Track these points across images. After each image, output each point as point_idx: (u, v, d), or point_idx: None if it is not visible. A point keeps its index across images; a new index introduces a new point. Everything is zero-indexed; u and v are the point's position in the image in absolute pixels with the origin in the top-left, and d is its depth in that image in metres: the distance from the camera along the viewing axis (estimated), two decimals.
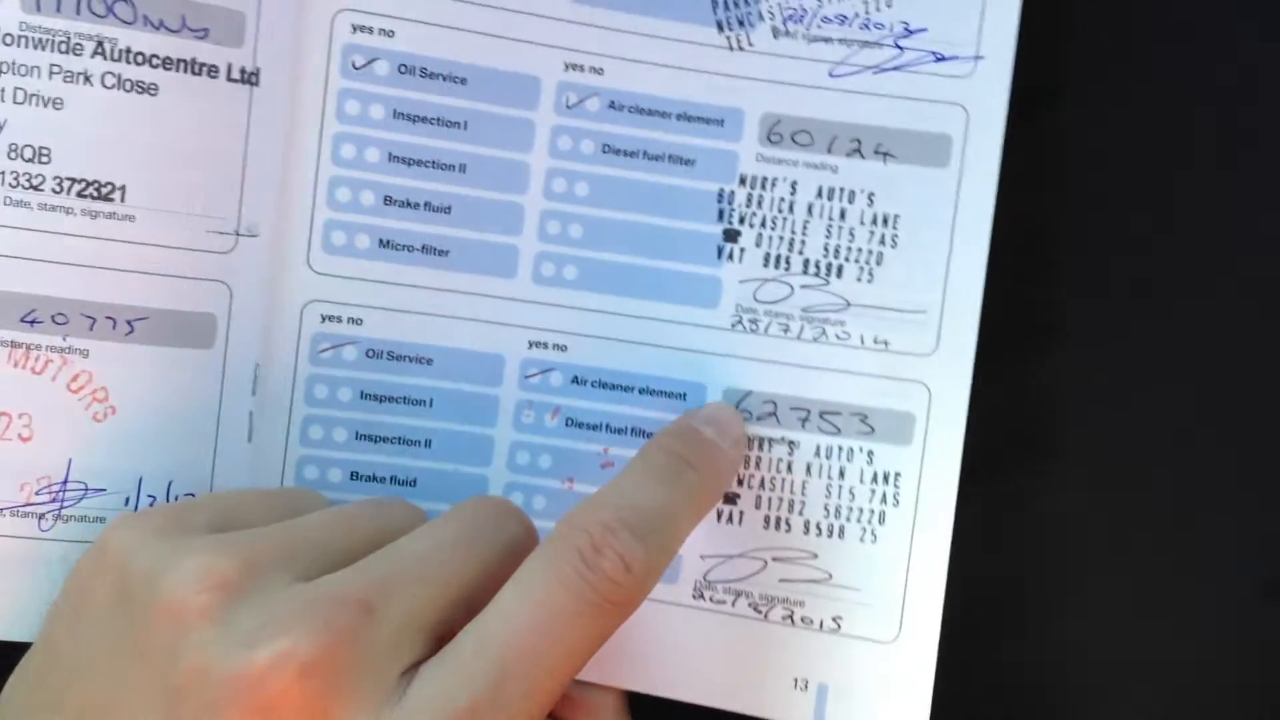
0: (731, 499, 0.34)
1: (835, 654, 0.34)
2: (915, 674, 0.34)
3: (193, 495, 0.33)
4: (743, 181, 0.34)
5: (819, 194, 0.34)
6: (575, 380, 0.35)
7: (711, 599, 0.35)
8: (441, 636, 0.27)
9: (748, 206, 0.34)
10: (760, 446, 0.34)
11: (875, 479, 0.34)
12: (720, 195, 0.34)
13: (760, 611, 0.34)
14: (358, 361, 0.34)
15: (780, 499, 0.34)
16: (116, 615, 0.27)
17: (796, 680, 0.34)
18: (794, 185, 0.34)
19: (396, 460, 0.35)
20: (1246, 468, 0.34)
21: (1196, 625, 0.33)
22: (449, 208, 0.34)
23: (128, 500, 0.33)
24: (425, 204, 0.34)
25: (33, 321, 0.31)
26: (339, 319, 0.34)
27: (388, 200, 0.34)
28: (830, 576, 0.34)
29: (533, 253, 0.35)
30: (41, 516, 0.32)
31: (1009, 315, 0.34)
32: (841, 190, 0.34)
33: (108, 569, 0.28)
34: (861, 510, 0.34)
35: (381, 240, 0.34)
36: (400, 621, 0.26)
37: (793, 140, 0.34)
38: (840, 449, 0.34)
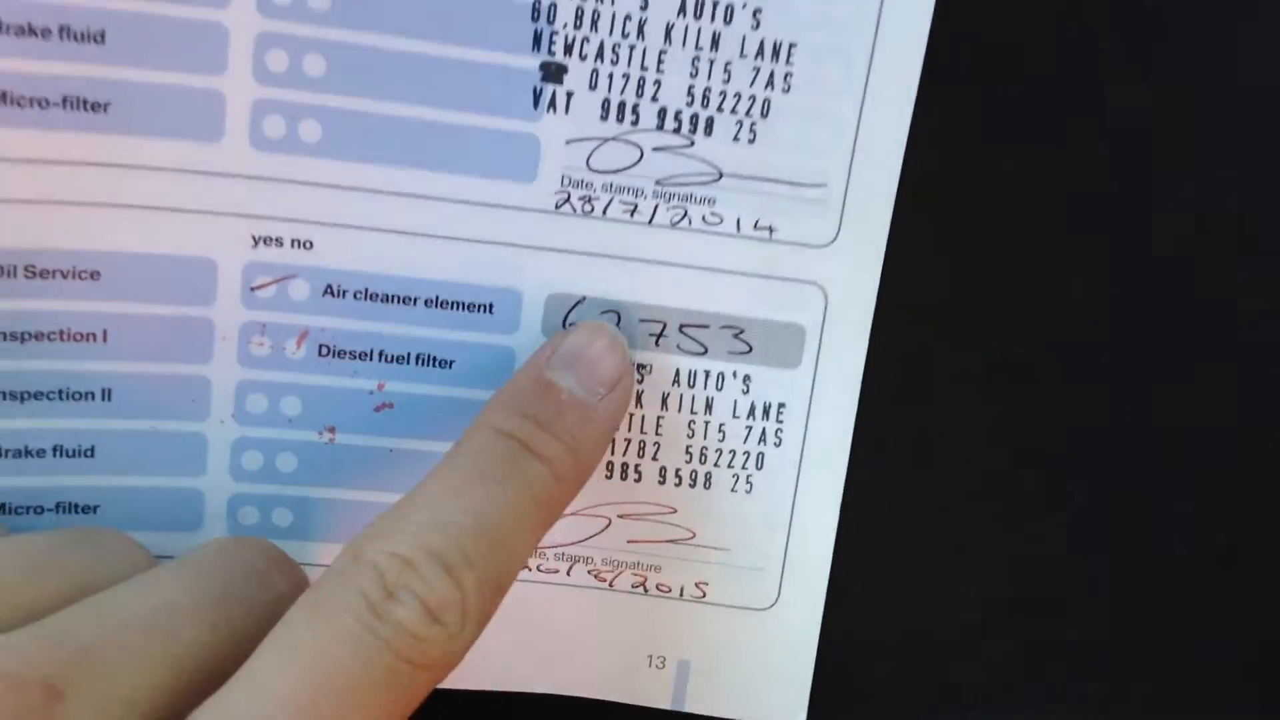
0: None
1: (698, 626, 0.26)
2: (794, 646, 0.27)
3: None
4: None
5: (681, 10, 0.23)
6: (328, 291, 0.24)
7: (540, 568, 0.26)
8: None
9: (577, 28, 0.23)
10: None
11: (752, 412, 0.25)
12: (536, 9, 0.23)
13: (604, 580, 0.26)
14: None
15: (627, 440, 0.25)
16: None
17: (651, 658, 0.27)
18: None
19: (59, 422, 0.23)
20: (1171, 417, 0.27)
21: (1100, 585, 0.27)
22: (101, 33, 0.21)
23: None
24: (61, 30, 0.21)
25: None
26: None
27: None
28: (693, 535, 0.26)
29: (247, 100, 0.22)
30: None
31: (930, 193, 0.25)
32: (715, 5, 0.23)
33: None
34: (734, 453, 0.25)
35: None
36: (103, 713, 0.18)
37: None
38: (706, 374, 0.25)
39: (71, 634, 0.19)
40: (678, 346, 0.25)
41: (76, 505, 0.24)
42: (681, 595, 0.26)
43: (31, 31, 0.21)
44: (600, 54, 0.23)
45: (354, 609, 0.19)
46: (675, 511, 0.26)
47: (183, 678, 0.19)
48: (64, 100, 0.21)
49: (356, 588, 0.19)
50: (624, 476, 0.25)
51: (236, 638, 0.20)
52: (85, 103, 0.21)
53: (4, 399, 0.23)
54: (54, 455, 0.23)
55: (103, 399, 0.23)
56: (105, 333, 0.23)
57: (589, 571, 0.26)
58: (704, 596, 0.26)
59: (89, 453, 0.24)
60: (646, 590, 0.26)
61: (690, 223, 0.24)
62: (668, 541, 0.26)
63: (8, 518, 0.23)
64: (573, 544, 0.26)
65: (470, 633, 0.20)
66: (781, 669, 0.27)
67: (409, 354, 0.24)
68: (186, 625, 0.19)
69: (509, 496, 0.21)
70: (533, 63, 0.23)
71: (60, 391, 0.23)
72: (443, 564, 0.19)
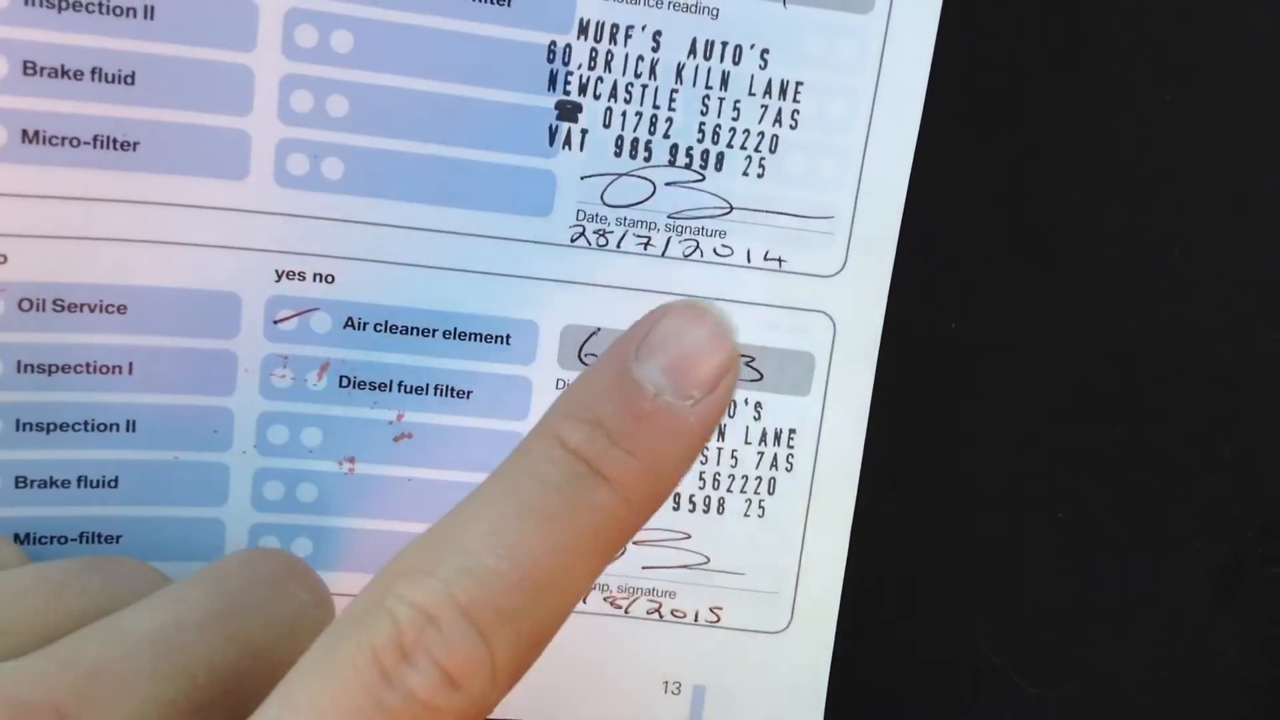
0: None
1: (713, 650, 0.27)
2: (808, 668, 0.27)
3: None
4: (584, 31, 0.23)
5: (691, 50, 0.24)
6: (349, 323, 0.24)
7: None
8: None
9: (591, 68, 0.24)
10: None
11: (764, 439, 0.26)
12: (552, 51, 0.23)
13: (619, 606, 0.26)
14: (8, 316, 0.22)
15: None
16: None
17: (667, 684, 0.27)
18: (657, 37, 0.24)
19: (85, 453, 0.24)
20: (1192, 436, 0.27)
21: (1133, 617, 0.28)
22: (131, 75, 0.22)
23: None
24: (93, 72, 0.22)
25: None
26: None
27: (28, 68, 0.21)
28: (707, 560, 0.26)
29: (272, 140, 0.23)
30: None
31: (936, 226, 0.25)
32: (724, 45, 0.24)
33: None
34: (746, 478, 0.26)
35: (25, 133, 0.22)
36: None
37: None
38: None
39: (82, 656, 0.18)
40: None
41: (100, 535, 0.24)
42: (696, 620, 0.27)
43: (65, 73, 0.21)
44: (614, 93, 0.24)
45: (362, 672, 0.16)
46: (689, 537, 0.26)
47: (197, 691, 0.19)
48: (94, 139, 0.22)
49: (368, 644, 0.16)
50: None
51: (255, 649, 0.20)
52: (115, 141, 0.22)
53: (31, 430, 0.23)
54: (78, 486, 0.24)
55: (127, 430, 0.24)
56: (131, 365, 0.23)
57: (604, 599, 0.26)
58: (718, 621, 0.27)
59: (113, 483, 0.24)
60: (662, 616, 0.26)
61: (702, 255, 0.25)
62: (683, 567, 0.26)
63: (32, 547, 0.24)
64: None
65: (498, 695, 0.17)
66: (796, 691, 0.27)
67: (428, 385, 0.25)
68: (200, 639, 0.19)
69: (564, 536, 0.17)
70: (548, 102, 0.24)
71: (86, 423, 0.23)
72: (472, 621, 0.16)
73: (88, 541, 0.24)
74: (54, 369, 0.23)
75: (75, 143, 0.22)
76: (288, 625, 0.20)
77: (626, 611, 0.26)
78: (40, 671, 0.18)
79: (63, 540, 0.24)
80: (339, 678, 0.16)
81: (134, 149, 0.22)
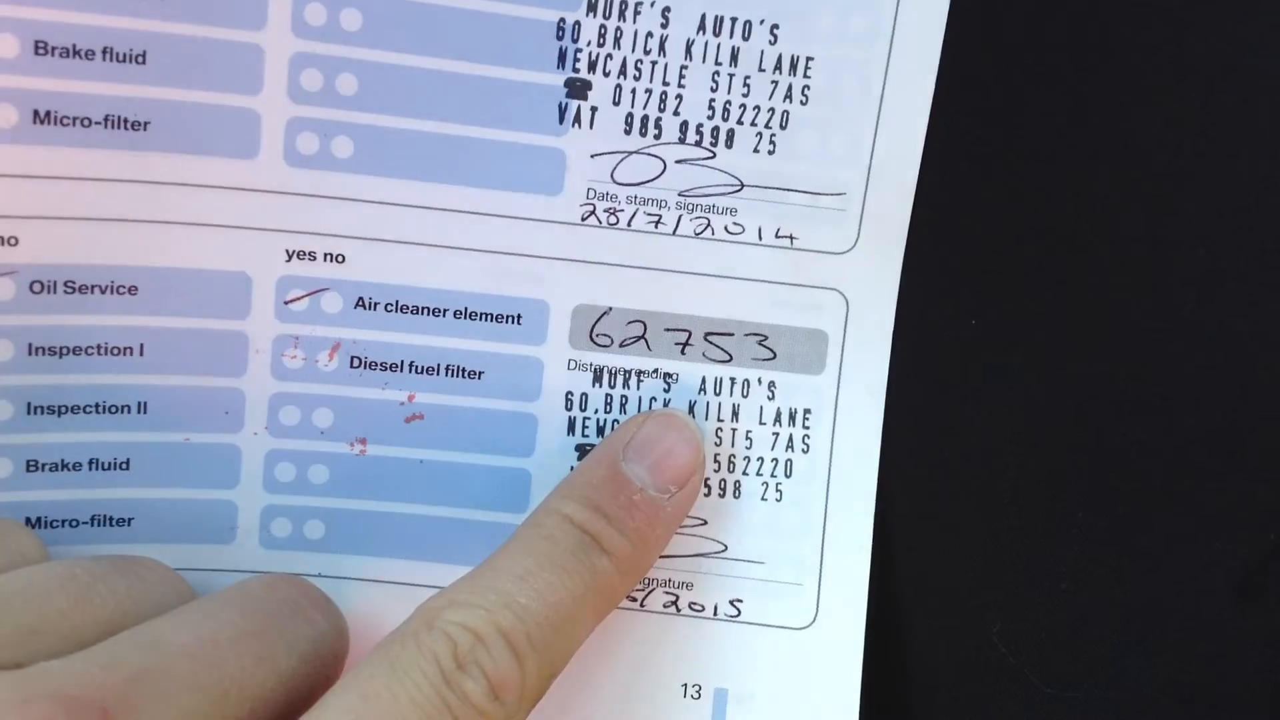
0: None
1: (734, 650, 0.26)
2: (837, 667, 0.26)
3: None
4: (592, 7, 0.23)
5: (701, 26, 0.24)
6: (360, 304, 0.24)
7: None
8: None
9: (600, 45, 0.24)
10: (626, 383, 0.25)
11: (779, 419, 0.25)
12: (560, 28, 0.23)
13: (635, 599, 0.26)
14: (20, 299, 0.23)
15: None
16: None
17: (686, 686, 0.26)
18: (666, 13, 0.24)
19: (95, 436, 0.24)
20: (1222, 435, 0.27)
21: (1162, 612, 0.27)
22: (143, 54, 0.22)
23: None
24: (105, 51, 0.22)
25: None
26: None
27: (39, 48, 0.21)
28: (725, 548, 0.26)
29: (282, 118, 0.23)
30: None
31: (949, 200, 0.25)
32: (733, 21, 0.24)
33: None
34: (762, 460, 0.26)
35: (37, 113, 0.22)
36: None
37: None
38: (732, 381, 0.25)
39: (123, 661, 0.19)
40: (703, 355, 0.25)
41: (111, 518, 0.24)
42: (715, 614, 0.26)
43: (76, 53, 0.22)
44: (623, 70, 0.24)
45: (429, 673, 0.19)
46: (706, 523, 0.26)
47: (229, 707, 0.20)
48: (105, 119, 0.22)
49: (431, 653, 0.20)
50: None
51: (279, 671, 0.20)
52: (126, 121, 0.22)
53: (42, 413, 0.23)
54: (90, 468, 0.24)
55: (138, 412, 0.24)
56: (142, 347, 0.23)
57: None
58: (739, 615, 0.26)
59: (124, 465, 0.24)
60: (679, 609, 0.26)
61: (713, 232, 0.25)
62: (699, 555, 0.26)
63: (44, 531, 0.24)
64: None
65: (522, 715, 0.21)
66: (824, 693, 0.26)
67: (439, 365, 0.25)
68: (232, 656, 0.20)
69: (574, 586, 0.21)
70: (558, 79, 0.24)
71: (97, 405, 0.23)
72: (510, 645, 0.20)
73: (99, 525, 0.24)
74: (65, 351, 0.23)
75: (86, 123, 0.22)
76: (308, 651, 0.21)
77: (642, 605, 0.26)
78: (85, 671, 0.19)
79: (74, 524, 0.24)
80: (409, 676, 0.19)
81: (145, 129, 0.22)
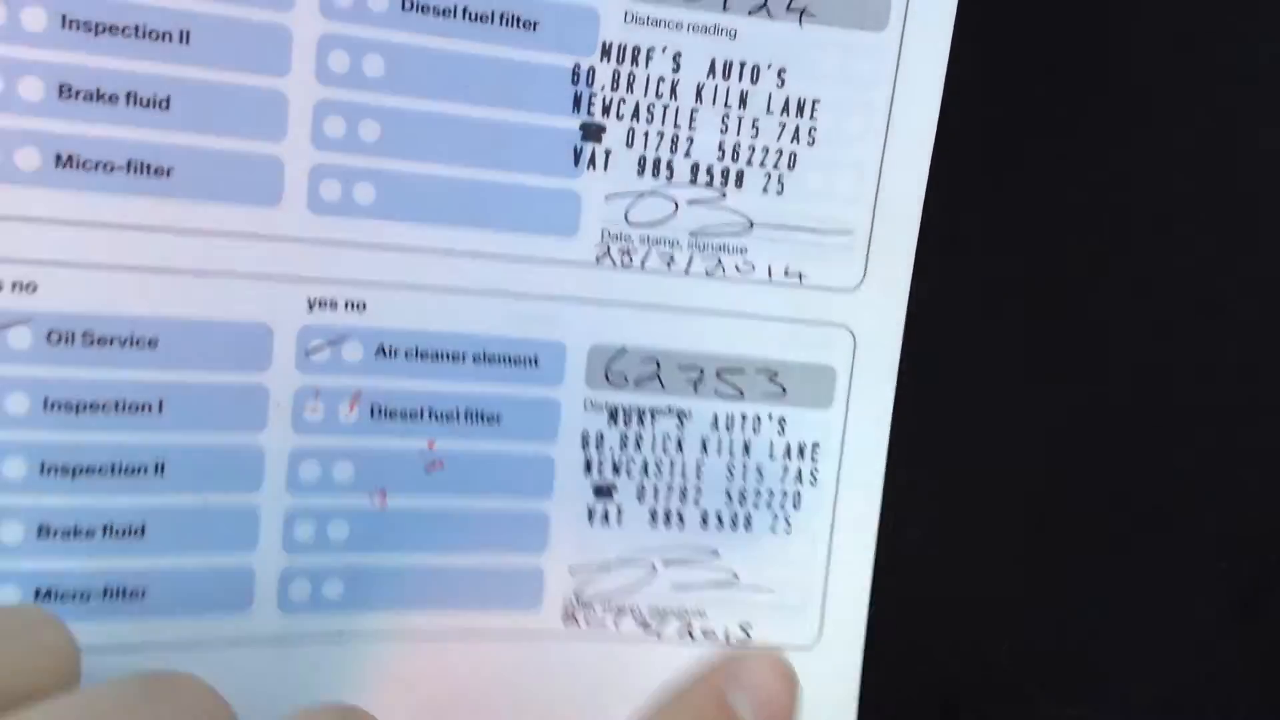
0: (607, 491, 0.25)
1: None
2: (838, 684, 0.27)
3: None
4: (606, 53, 0.24)
5: (711, 70, 0.24)
6: (380, 351, 0.24)
7: (587, 621, 0.26)
8: None
9: (614, 90, 0.24)
10: (640, 420, 0.25)
11: (788, 453, 0.26)
12: (576, 73, 0.24)
13: (651, 629, 0.26)
14: (36, 349, 0.21)
15: (670, 486, 0.26)
16: None
17: None
18: (677, 58, 0.24)
19: (112, 500, 0.22)
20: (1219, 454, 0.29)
21: (1163, 621, 0.29)
22: (167, 100, 0.21)
23: None
24: (129, 96, 0.21)
25: None
26: None
27: (64, 92, 0.21)
28: (736, 577, 0.26)
29: (305, 166, 0.23)
30: None
31: (953, 236, 0.26)
32: (742, 65, 0.25)
33: None
34: (772, 493, 0.26)
35: (59, 157, 0.21)
36: None
37: None
38: (743, 417, 0.26)
39: None
40: (715, 391, 0.26)
41: (124, 590, 0.23)
42: (727, 639, 0.26)
43: (100, 97, 0.21)
44: (636, 114, 0.24)
45: None
46: (718, 554, 0.26)
47: None
48: (129, 164, 0.21)
49: None
50: (668, 523, 0.26)
51: None
52: (149, 167, 0.21)
53: (56, 474, 0.22)
54: (104, 535, 0.23)
55: (156, 473, 0.23)
56: (161, 403, 0.22)
57: (636, 623, 0.26)
58: (749, 638, 0.27)
59: (139, 532, 0.23)
60: (693, 636, 0.26)
61: (724, 271, 0.25)
62: (712, 585, 0.26)
63: (52, 604, 0.22)
64: (620, 593, 0.26)
65: None
66: (826, 709, 0.27)
67: (458, 410, 0.24)
68: None
69: None
70: (573, 123, 0.24)
71: (113, 466, 0.22)
72: None
73: (111, 598, 0.23)
74: (82, 408, 0.22)
75: (109, 168, 0.21)
76: None
77: (659, 635, 0.26)
78: None
79: (85, 597, 0.23)
80: None
81: (168, 175, 0.22)
